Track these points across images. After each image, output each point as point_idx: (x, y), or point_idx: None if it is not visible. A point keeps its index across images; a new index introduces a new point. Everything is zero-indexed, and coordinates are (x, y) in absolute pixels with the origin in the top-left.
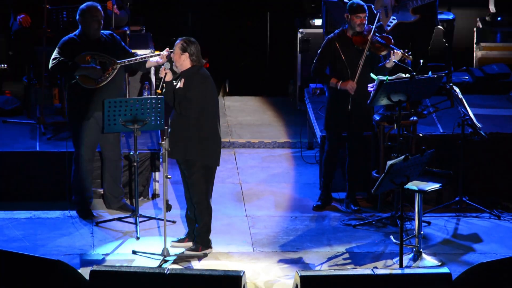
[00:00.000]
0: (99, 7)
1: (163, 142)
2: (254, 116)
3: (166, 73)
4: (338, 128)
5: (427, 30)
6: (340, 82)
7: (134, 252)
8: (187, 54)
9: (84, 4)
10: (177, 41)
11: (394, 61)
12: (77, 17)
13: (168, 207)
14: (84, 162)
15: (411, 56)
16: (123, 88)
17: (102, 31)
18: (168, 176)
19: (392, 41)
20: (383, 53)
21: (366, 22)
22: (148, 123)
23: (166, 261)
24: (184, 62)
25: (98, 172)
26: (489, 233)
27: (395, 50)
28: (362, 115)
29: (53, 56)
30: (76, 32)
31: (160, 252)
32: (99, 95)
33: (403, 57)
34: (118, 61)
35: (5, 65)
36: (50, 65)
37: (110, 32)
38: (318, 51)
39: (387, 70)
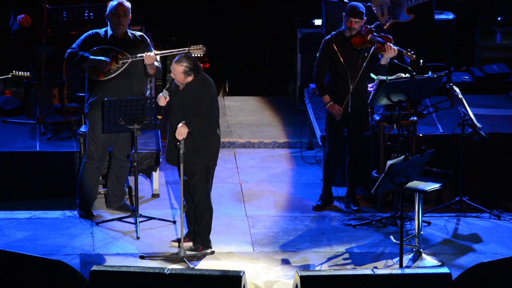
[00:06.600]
0: (125, 4)
1: (178, 144)
2: (254, 116)
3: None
4: (338, 129)
5: (424, 30)
6: (330, 103)
7: (142, 258)
8: (192, 75)
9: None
10: (174, 62)
11: (388, 58)
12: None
13: (184, 208)
14: (93, 160)
15: (414, 56)
16: (141, 91)
17: (133, 31)
18: (184, 178)
19: (392, 40)
20: (383, 52)
21: (363, 23)
22: (148, 123)
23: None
24: (188, 80)
25: (104, 172)
26: (489, 233)
27: (388, 45)
28: (361, 116)
29: (70, 47)
30: (106, 27)
31: (173, 253)
32: (113, 90)
33: (404, 54)
34: (123, 57)
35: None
36: (65, 55)
37: (141, 34)
38: (317, 55)
39: (383, 68)
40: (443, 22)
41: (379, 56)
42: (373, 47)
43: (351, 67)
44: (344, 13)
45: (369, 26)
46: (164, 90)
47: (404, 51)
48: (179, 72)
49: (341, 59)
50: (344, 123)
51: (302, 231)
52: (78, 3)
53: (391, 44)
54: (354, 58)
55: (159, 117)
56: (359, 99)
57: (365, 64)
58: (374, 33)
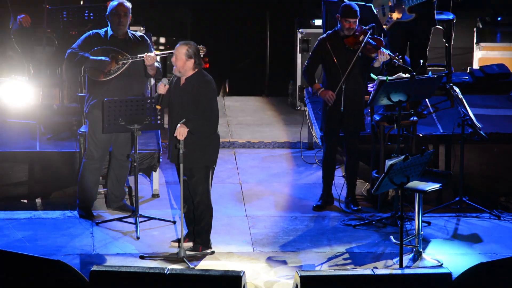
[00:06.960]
0: (125, 5)
1: (178, 144)
2: (254, 116)
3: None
4: (333, 128)
5: (425, 30)
6: (322, 89)
7: (142, 258)
8: (192, 60)
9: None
10: (178, 45)
11: (381, 62)
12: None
13: (184, 208)
14: (93, 160)
15: (401, 60)
16: (141, 91)
17: (134, 32)
18: (184, 178)
19: (384, 43)
20: (373, 55)
21: (358, 24)
22: (148, 123)
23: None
24: (188, 67)
25: (104, 172)
26: (489, 233)
27: (381, 51)
28: (354, 115)
29: (71, 47)
30: (106, 28)
31: (173, 253)
32: (113, 91)
33: (392, 59)
34: (123, 57)
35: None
36: (65, 55)
37: (141, 34)
38: (310, 52)
39: (376, 70)
40: (443, 22)
41: (373, 60)
42: (361, 46)
43: (344, 66)
44: (338, 14)
45: (364, 27)
46: (163, 78)
47: (393, 55)
48: (181, 53)
49: (334, 59)
50: (339, 124)
51: (302, 231)
52: (78, 3)
53: (383, 50)
54: (348, 58)
55: (158, 107)
56: (352, 99)
57: (353, 62)
58: (368, 35)
